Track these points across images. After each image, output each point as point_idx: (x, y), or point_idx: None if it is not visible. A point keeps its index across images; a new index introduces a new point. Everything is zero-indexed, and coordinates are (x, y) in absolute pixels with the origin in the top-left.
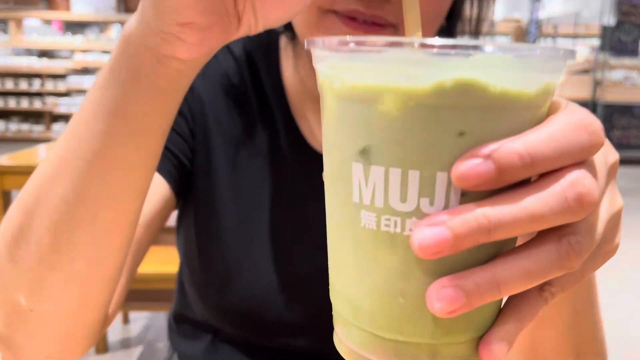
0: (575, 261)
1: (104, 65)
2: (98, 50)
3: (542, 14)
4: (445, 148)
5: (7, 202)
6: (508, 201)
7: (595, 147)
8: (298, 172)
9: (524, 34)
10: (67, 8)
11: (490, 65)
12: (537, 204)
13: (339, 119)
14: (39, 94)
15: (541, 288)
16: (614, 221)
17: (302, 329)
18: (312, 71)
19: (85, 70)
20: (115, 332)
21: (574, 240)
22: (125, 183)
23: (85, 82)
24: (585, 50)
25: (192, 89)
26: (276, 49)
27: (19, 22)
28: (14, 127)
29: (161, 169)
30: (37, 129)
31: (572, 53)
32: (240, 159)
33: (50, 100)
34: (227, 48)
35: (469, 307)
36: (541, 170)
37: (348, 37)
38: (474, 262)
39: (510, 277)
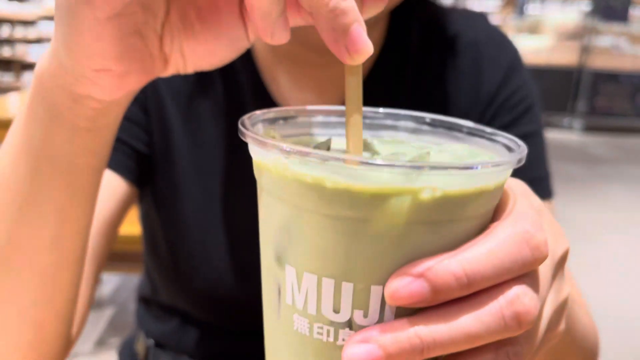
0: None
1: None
2: None
3: None
4: (379, 261)
5: None
6: (443, 319)
7: (537, 262)
8: None
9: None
10: None
11: (429, 180)
12: (473, 324)
13: (269, 216)
14: (7, 41)
15: None
16: (559, 312)
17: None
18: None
19: None
20: None
21: (512, 351)
22: (60, 225)
23: None
24: (573, 14)
25: None
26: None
27: None
28: None
29: (116, 166)
30: (6, 78)
31: (510, 164)
32: (201, 131)
33: (19, 47)
34: None
35: None
36: (479, 288)
37: (286, 147)
38: None
39: None
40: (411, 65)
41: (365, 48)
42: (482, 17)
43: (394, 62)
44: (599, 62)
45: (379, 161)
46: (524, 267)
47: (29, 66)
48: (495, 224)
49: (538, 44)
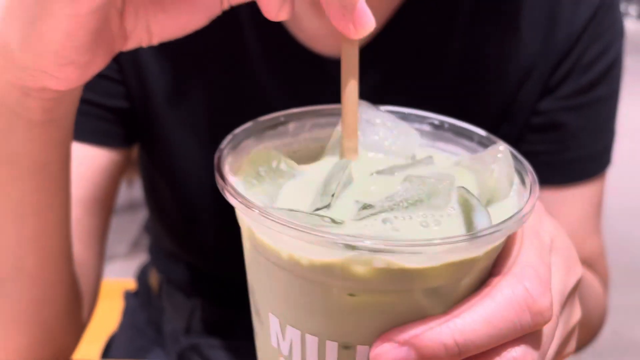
0: None
1: None
2: None
3: None
4: (364, 323)
5: None
6: None
7: (538, 327)
8: (267, 76)
9: None
10: None
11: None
12: None
13: (256, 266)
14: None
15: None
16: (567, 338)
17: None
18: None
19: None
20: (120, 195)
21: None
22: (37, 223)
23: None
24: None
25: None
26: None
27: None
28: None
29: (95, 137)
30: None
31: (526, 213)
32: (187, 77)
33: None
34: None
35: None
36: (472, 354)
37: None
38: None
39: None
40: (461, 12)
41: (370, 23)
42: None
43: (430, 6)
44: None
45: (347, 239)
46: (523, 332)
47: None
48: (494, 282)
49: None
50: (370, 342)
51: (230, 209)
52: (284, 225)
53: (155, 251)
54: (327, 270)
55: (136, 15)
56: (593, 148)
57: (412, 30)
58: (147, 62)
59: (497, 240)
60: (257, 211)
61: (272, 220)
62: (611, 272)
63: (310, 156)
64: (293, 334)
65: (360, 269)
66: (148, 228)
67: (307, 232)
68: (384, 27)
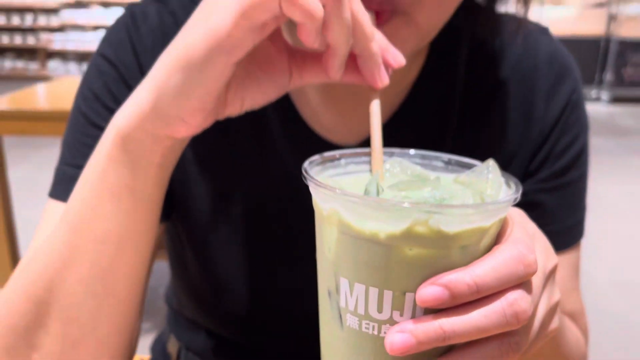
0: (513, 355)
1: (95, 153)
2: None
3: None
4: (412, 275)
5: None
6: (460, 316)
7: (529, 276)
8: (291, 165)
9: None
10: None
11: (453, 219)
12: (482, 320)
13: (341, 244)
14: (32, 30)
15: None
16: (551, 312)
17: (289, 333)
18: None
19: (79, 4)
20: None
21: (512, 340)
22: (136, 252)
23: (79, 16)
24: None
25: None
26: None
27: None
28: (9, 64)
29: None
30: (33, 67)
31: (515, 197)
32: (216, 151)
33: (44, 36)
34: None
35: None
36: (486, 294)
37: (354, 197)
38: (430, 356)
39: None
40: (458, 96)
41: (386, 79)
42: (546, 36)
43: (437, 91)
44: (626, 31)
45: (405, 204)
46: (519, 279)
47: (54, 54)
48: (497, 247)
49: (564, 14)
50: (415, 289)
51: (261, 276)
52: (372, 203)
53: (174, 320)
54: (397, 235)
55: (236, 88)
56: (568, 222)
57: (411, 124)
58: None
59: (501, 213)
60: (353, 198)
61: (363, 201)
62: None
63: (351, 180)
64: (359, 289)
65: (420, 229)
66: (168, 298)
67: (387, 207)
68: (385, 123)
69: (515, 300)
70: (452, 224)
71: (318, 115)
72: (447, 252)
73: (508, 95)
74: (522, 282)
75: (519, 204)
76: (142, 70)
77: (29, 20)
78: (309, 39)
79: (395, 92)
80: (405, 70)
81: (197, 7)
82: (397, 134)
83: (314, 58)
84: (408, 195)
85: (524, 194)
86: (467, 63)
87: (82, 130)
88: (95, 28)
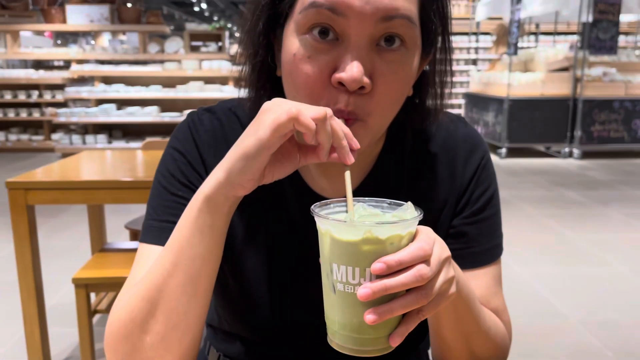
0: (425, 300)
1: (188, 208)
2: (93, 60)
3: (523, 13)
4: (370, 258)
5: (32, 215)
6: (393, 278)
7: (427, 257)
8: (298, 210)
9: (506, 33)
10: (63, 20)
11: (384, 230)
12: (403, 279)
13: (325, 241)
14: (37, 105)
15: (417, 311)
16: (448, 282)
17: (306, 336)
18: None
19: (82, 80)
20: None
21: (422, 292)
22: (213, 267)
23: (82, 91)
24: (564, 48)
25: (204, 163)
26: None
27: (15, 35)
28: (14, 137)
29: None
30: (37, 139)
31: (417, 217)
32: (253, 210)
33: (48, 110)
34: (235, 117)
35: (381, 320)
36: (405, 266)
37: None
38: (384, 301)
39: (399, 307)
40: (407, 166)
41: (353, 159)
42: (461, 121)
43: (392, 164)
44: (592, 92)
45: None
46: (422, 259)
47: (58, 127)
48: (412, 243)
49: (532, 78)
50: (370, 266)
51: (282, 292)
52: (345, 225)
53: (213, 335)
54: (357, 241)
55: (270, 167)
56: (487, 246)
57: (377, 183)
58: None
59: (411, 227)
60: (337, 222)
61: (341, 224)
62: None
63: (336, 215)
64: (342, 268)
65: (368, 235)
66: (207, 318)
67: (352, 225)
68: (360, 183)
69: (420, 268)
70: (383, 233)
71: (315, 180)
72: (383, 247)
73: (438, 163)
74: (424, 261)
75: (451, 234)
76: (201, 157)
77: (34, 95)
78: (309, 140)
79: (365, 164)
80: (369, 151)
81: (241, 121)
82: (368, 190)
83: (312, 149)
84: (363, 221)
85: (453, 227)
86: (411, 143)
87: (163, 197)
88: (98, 102)
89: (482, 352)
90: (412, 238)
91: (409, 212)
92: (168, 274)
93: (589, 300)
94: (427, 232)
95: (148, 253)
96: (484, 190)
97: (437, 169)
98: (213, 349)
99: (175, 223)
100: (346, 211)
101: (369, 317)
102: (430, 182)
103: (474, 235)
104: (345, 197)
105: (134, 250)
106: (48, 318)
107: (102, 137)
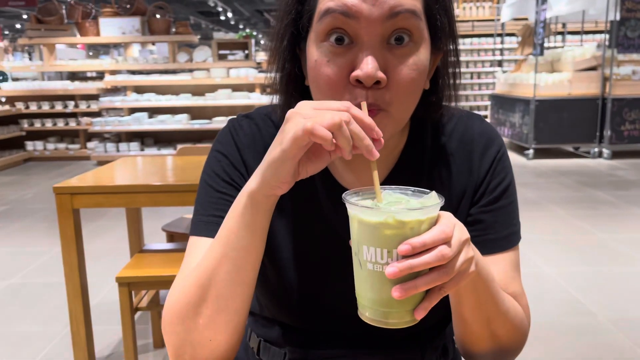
0: (447, 277)
1: (234, 204)
2: (124, 70)
3: (549, 13)
4: (397, 240)
5: (77, 218)
6: (417, 258)
7: (448, 239)
8: (328, 204)
9: (531, 33)
10: (97, 32)
11: (406, 214)
12: (427, 258)
13: (355, 225)
14: (73, 114)
15: (440, 288)
16: (468, 262)
17: (340, 319)
18: None
19: (115, 90)
20: None
21: (443, 270)
22: (257, 257)
23: (115, 101)
24: (592, 47)
25: (245, 163)
26: None
27: (51, 48)
28: (52, 146)
29: None
30: (74, 147)
31: (439, 204)
32: (288, 204)
33: (84, 119)
34: (270, 121)
35: (406, 295)
36: (428, 247)
37: (358, 206)
38: (409, 279)
39: (423, 284)
40: (427, 158)
41: (377, 154)
42: (478, 118)
43: (414, 158)
44: (621, 91)
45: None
46: (444, 241)
47: (93, 136)
48: (434, 227)
49: (559, 78)
50: (396, 247)
51: (316, 280)
52: (372, 209)
53: (254, 322)
54: (383, 224)
55: (302, 167)
56: (504, 233)
57: (401, 176)
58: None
59: (431, 212)
60: (365, 208)
61: (369, 209)
62: None
63: (364, 202)
64: (371, 249)
65: (390, 219)
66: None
67: (379, 210)
68: (386, 177)
69: (442, 249)
70: (405, 217)
71: (343, 176)
72: (405, 230)
73: (456, 157)
74: (446, 242)
75: (469, 222)
76: (242, 158)
77: (70, 106)
78: (328, 148)
79: (389, 160)
80: (394, 145)
81: (270, 126)
82: (392, 183)
83: (338, 150)
84: (388, 207)
85: (471, 215)
86: (431, 139)
87: (209, 195)
88: (131, 111)
89: (502, 334)
90: (434, 222)
91: (432, 199)
92: (217, 264)
93: (619, 299)
94: (448, 217)
95: (198, 244)
96: (500, 181)
97: (456, 162)
98: (254, 335)
99: (221, 217)
100: (374, 198)
101: (396, 293)
102: (450, 174)
103: (490, 223)
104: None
105: (171, 250)
106: (92, 316)
107: (134, 145)
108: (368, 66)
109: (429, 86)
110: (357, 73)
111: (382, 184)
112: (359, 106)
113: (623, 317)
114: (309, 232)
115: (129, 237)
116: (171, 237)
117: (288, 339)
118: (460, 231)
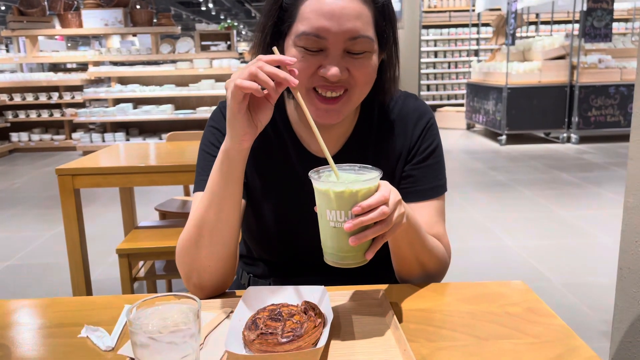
0: (387, 228)
1: (216, 161)
2: (107, 62)
3: (520, 4)
4: (351, 204)
5: (78, 197)
6: (366, 216)
7: (386, 201)
8: (300, 167)
9: (505, 23)
10: (79, 24)
11: (358, 185)
12: (374, 216)
13: (320, 196)
14: (58, 105)
15: (382, 236)
16: (400, 216)
17: (311, 252)
18: (300, 111)
19: (99, 81)
20: None
21: (384, 222)
22: (237, 200)
23: (100, 92)
24: (560, 36)
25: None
26: (283, 100)
27: (34, 40)
28: (36, 137)
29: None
30: (59, 138)
31: (379, 176)
32: (268, 168)
33: (69, 110)
34: None
35: (359, 242)
36: (373, 207)
37: (315, 177)
38: (361, 231)
39: (371, 234)
40: (374, 131)
41: (296, 81)
42: (413, 97)
43: (364, 130)
44: (588, 79)
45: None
46: (384, 202)
47: (79, 126)
48: (376, 193)
49: (530, 67)
50: (351, 209)
51: (290, 221)
52: (331, 183)
53: (243, 263)
54: (340, 191)
55: (255, 116)
56: (429, 185)
57: (353, 146)
58: (253, 164)
59: (372, 183)
60: (326, 182)
61: (329, 182)
62: None
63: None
64: (332, 211)
65: (345, 189)
66: (240, 248)
67: (338, 184)
68: (342, 147)
69: (382, 208)
70: (357, 187)
71: (309, 145)
72: (357, 196)
73: (395, 128)
74: (385, 203)
75: (403, 177)
76: None
77: (55, 97)
78: (257, 94)
79: (344, 133)
80: (350, 121)
81: None
82: (347, 151)
83: (270, 94)
84: (344, 181)
85: (404, 171)
86: (377, 116)
87: (207, 159)
88: (116, 102)
89: (428, 264)
90: (376, 189)
91: (374, 173)
92: (207, 207)
93: (572, 267)
94: (385, 185)
95: (200, 198)
96: (429, 145)
97: (395, 131)
98: (244, 273)
99: None
100: (331, 175)
101: (352, 241)
102: (390, 142)
103: (419, 177)
104: (328, 164)
105: (164, 227)
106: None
107: (120, 135)
108: (333, 70)
109: (376, 76)
110: (324, 72)
111: (338, 152)
112: (324, 88)
113: (574, 282)
114: (284, 188)
115: (122, 217)
116: (164, 215)
117: (272, 272)
118: (394, 194)
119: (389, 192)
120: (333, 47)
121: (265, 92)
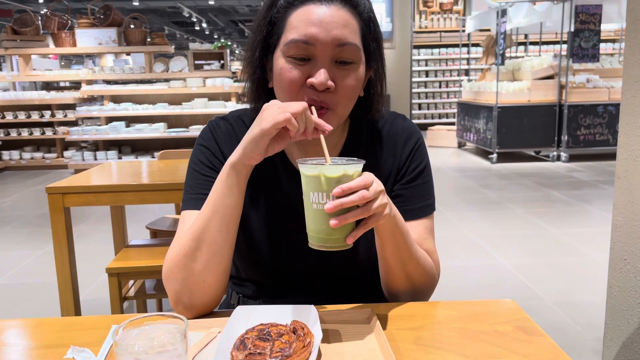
0: (367, 213)
1: (219, 175)
2: (100, 80)
3: (509, 25)
4: (332, 187)
5: (68, 216)
6: (346, 198)
7: (368, 186)
8: (288, 186)
9: (494, 44)
10: (73, 43)
11: (340, 169)
12: (353, 198)
13: (306, 179)
14: (50, 124)
15: (364, 223)
16: (383, 205)
17: (300, 270)
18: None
19: (92, 99)
20: None
21: (366, 207)
22: (238, 213)
23: (92, 110)
24: (549, 57)
25: (222, 153)
26: None
27: (27, 58)
28: (28, 155)
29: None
30: (50, 156)
31: (361, 165)
32: (256, 187)
33: (61, 129)
34: (242, 121)
35: (340, 224)
36: (354, 191)
37: (303, 165)
38: (342, 213)
39: (351, 217)
40: (363, 149)
41: (330, 127)
42: (402, 117)
43: (352, 148)
44: (577, 98)
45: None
46: (365, 187)
47: (71, 144)
48: (357, 178)
49: (520, 86)
50: (332, 191)
51: (280, 242)
52: (318, 166)
53: (233, 283)
54: (324, 175)
55: (271, 144)
56: (419, 205)
57: (348, 154)
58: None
59: (353, 169)
60: (312, 167)
61: (308, 166)
62: None
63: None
64: (315, 194)
65: (328, 174)
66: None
67: (324, 168)
68: (338, 154)
69: (362, 192)
70: (338, 172)
71: (296, 162)
72: (339, 179)
73: (384, 147)
74: (366, 188)
75: (392, 196)
76: (220, 149)
77: (47, 115)
78: (293, 130)
79: (331, 150)
80: (336, 142)
81: (248, 117)
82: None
83: (300, 134)
84: (331, 167)
85: (394, 191)
86: (366, 135)
87: (196, 178)
88: (108, 120)
89: (415, 276)
90: (359, 176)
91: (357, 162)
92: (209, 219)
93: (564, 285)
94: (368, 174)
95: (189, 216)
96: (417, 164)
97: (384, 151)
98: (234, 293)
99: (206, 194)
100: (317, 164)
101: (332, 222)
102: (379, 160)
103: (408, 196)
104: (318, 158)
105: (155, 245)
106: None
107: (112, 153)
108: (321, 76)
109: (364, 94)
110: (312, 80)
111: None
112: (311, 102)
113: (566, 300)
114: (273, 206)
115: (113, 235)
116: (155, 234)
117: (261, 293)
118: (377, 184)
119: (372, 179)
120: (321, 54)
121: (299, 132)
